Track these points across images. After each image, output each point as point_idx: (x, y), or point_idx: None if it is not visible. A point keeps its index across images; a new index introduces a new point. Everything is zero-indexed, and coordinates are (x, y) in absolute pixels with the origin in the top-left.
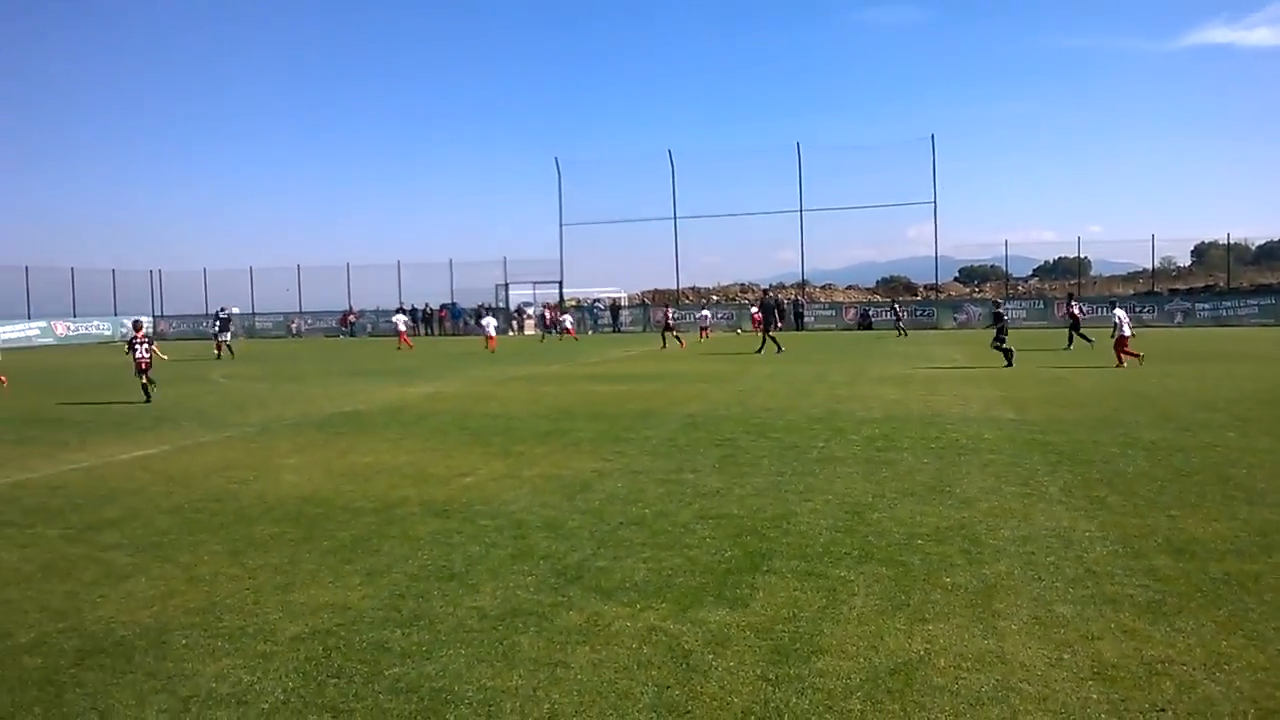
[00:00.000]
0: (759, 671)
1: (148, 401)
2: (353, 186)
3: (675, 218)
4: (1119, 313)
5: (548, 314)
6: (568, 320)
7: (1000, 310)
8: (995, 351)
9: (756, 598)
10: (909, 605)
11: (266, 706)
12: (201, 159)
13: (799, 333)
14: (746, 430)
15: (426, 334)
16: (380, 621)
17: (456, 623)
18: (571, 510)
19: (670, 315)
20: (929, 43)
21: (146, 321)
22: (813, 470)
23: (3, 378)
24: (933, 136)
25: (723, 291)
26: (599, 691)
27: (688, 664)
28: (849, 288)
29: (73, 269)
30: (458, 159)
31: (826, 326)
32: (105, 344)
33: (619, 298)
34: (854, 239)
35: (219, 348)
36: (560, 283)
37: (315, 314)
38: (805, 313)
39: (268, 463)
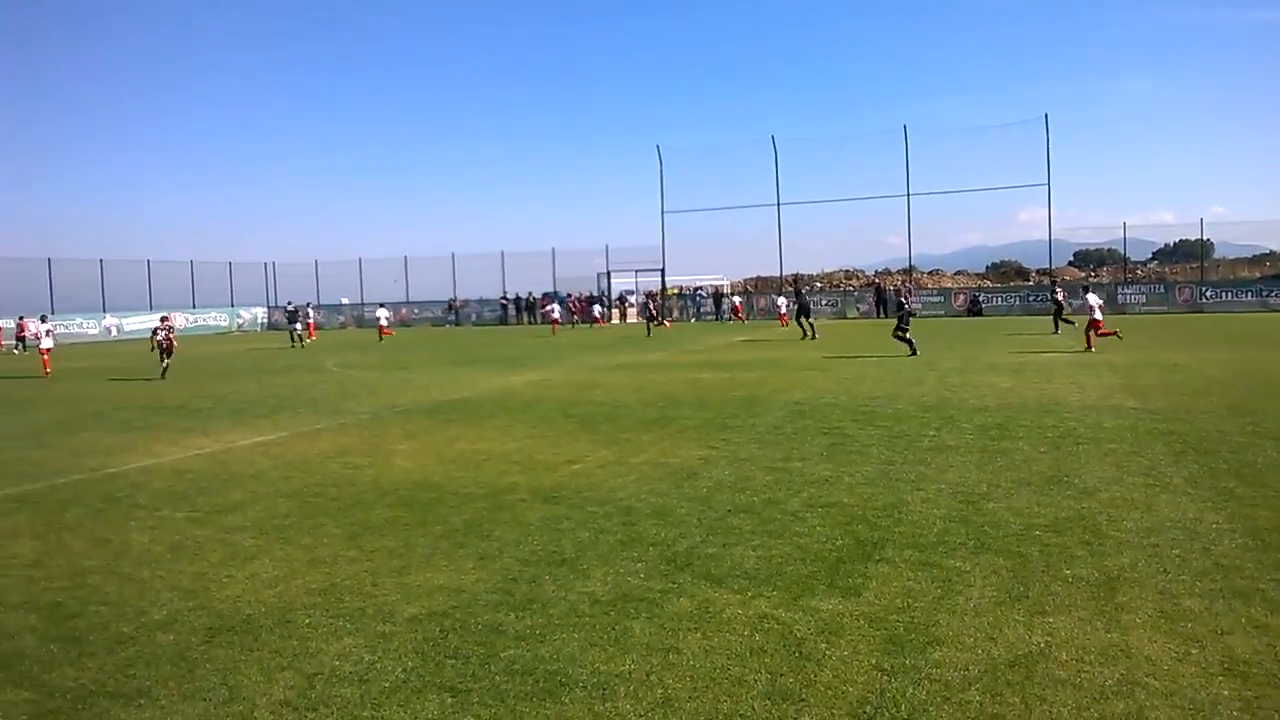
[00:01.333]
0: (874, 661)
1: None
2: (458, 178)
3: (779, 204)
4: (1091, 297)
5: (651, 303)
6: (596, 310)
7: (904, 300)
8: (899, 342)
9: (869, 587)
10: (1028, 597)
11: (387, 685)
12: (312, 156)
13: None
14: (854, 418)
15: (529, 322)
16: (494, 605)
17: (569, 607)
18: (679, 497)
19: (655, 302)
20: (1043, 20)
21: (261, 312)
22: (924, 459)
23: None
24: (1046, 116)
25: (827, 278)
26: (712, 678)
27: (800, 652)
28: (957, 273)
29: (191, 262)
30: (561, 150)
31: (935, 313)
32: (222, 335)
33: (721, 285)
34: (963, 223)
35: (292, 337)
36: (662, 271)
37: (421, 303)
38: (912, 299)
39: (381, 449)
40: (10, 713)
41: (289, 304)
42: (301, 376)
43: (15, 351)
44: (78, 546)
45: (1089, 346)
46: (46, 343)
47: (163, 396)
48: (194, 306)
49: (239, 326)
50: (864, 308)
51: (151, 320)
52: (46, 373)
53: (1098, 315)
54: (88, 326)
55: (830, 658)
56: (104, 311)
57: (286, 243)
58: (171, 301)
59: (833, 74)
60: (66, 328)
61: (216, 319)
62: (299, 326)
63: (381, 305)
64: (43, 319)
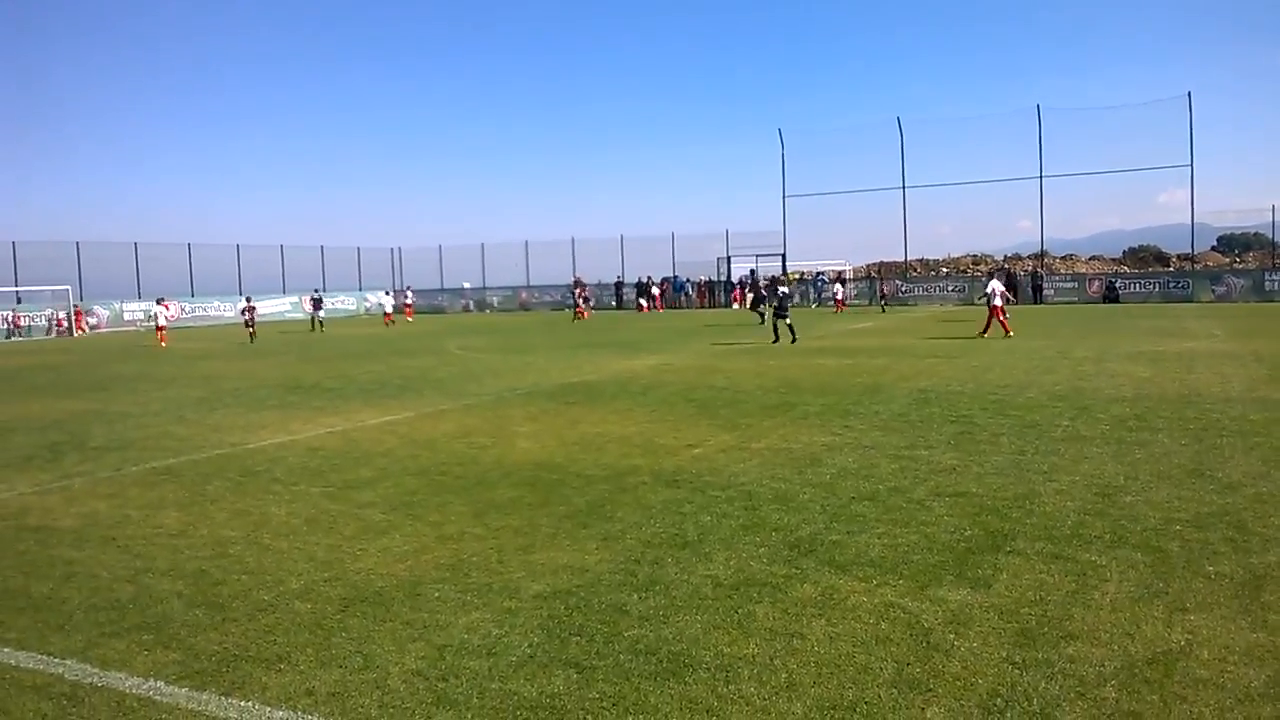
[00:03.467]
0: (1004, 654)
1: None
2: (578, 161)
3: (904, 187)
4: (993, 284)
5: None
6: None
7: (781, 288)
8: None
9: (999, 579)
10: (1167, 593)
11: (515, 659)
12: (438, 143)
13: (1037, 306)
14: (983, 406)
15: (650, 308)
16: (617, 585)
17: (691, 590)
18: (802, 484)
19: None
20: None
21: (388, 296)
22: (1057, 449)
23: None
24: (1189, 94)
25: (953, 263)
26: (837, 664)
27: (928, 642)
28: (1092, 258)
29: (322, 247)
30: (680, 132)
31: (1068, 299)
32: (350, 318)
33: (843, 270)
34: (1097, 206)
35: (314, 323)
36: (783, 255)
37: (541, 287)
38: (1045, 285)
39: (504, 430)
40: (160, 672)
41: (315, 291)
42: (426, 359)
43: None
44: (219, 517)
45: (985, 330)
46: (160, 320)
47: (297, 376)
48: (324, 290)
49: (366, 310)
50: None
51: (283, 304)
52: (162, 346)
53: (997, 301)
54: (224, 309)
55: (959, 649)
56: (240, 294)
57: (413, 229)
58: (301, 285)
59: (962, 51)
60: (205, 310)
61: (345, 303)
62: (321, 314)
63: (387, 292)
64: (158, 301)
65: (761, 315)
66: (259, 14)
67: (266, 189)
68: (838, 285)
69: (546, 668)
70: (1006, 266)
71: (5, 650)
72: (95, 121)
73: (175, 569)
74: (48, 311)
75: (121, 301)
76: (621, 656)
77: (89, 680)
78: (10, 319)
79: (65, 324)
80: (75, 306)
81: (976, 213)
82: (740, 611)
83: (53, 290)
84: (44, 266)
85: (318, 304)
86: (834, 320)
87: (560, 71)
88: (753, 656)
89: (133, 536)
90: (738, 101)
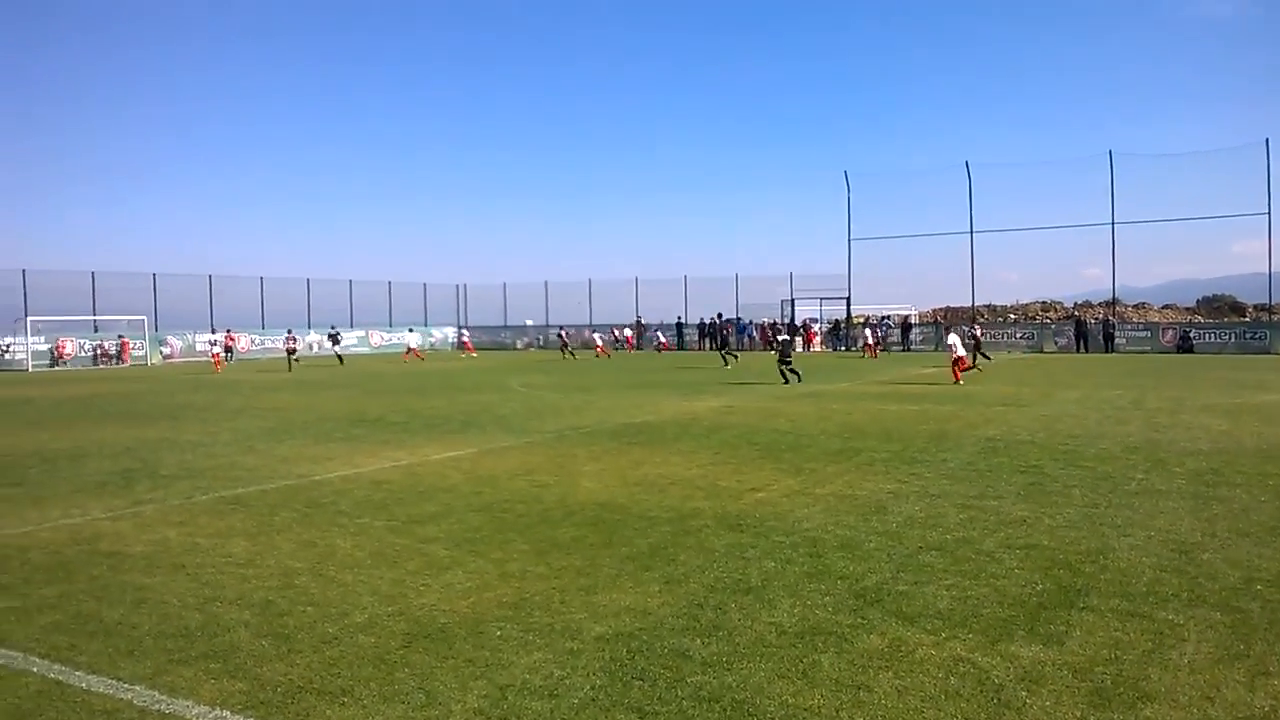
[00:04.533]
0: (1078, 714)
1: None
2: (644, 201)
3: (971, 232)
4: (952, 337)
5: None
6: (597, 338)
7: (784, 335)
8: (789, 372)
9: (1072, 635)
10: (1249, 656)
11: (576, 701)
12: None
13: (1108, 355)
14: (1053, 457)
15: (712, 348)
16: (680, 629)
17: (755, 636)
18: (868, 531)
19: (565, 333)
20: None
21: (452, 332)
22: (1131, 503)
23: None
24: (1267, 141)
25: (1022, 309)
26: (904, 719)
27: (999, 699)
28: (1165, 307)
29: (390, 283)
30: (745, 172)
31: (1141, 349)
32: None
33: (909, 315)
34: (1169, 254)
35: (339, 358)
36: (848, 299)
37: (604, 325)
38: (1116, 333)
39: (566, 469)
40: (227, 701)
41: (333, 328)
42: (489, 395)
43: (225, 361)
44: (286, 548)
45: (956, 379)
46: (216, 349)
47: (362, 410)
48: (390, 325)
49: (431, 345)
50: (1062, 341)
51: (352, 337)
52: (216, 370)
53: (960, 351)
54: (290, 342)
55: (1031, 707)
56: (308, 327)
57: (475, 265)
58: (370, 319)
59: (1032, 97)
60: (274, 341)
61: (409, 338)
62: (339, 348)
63: (410, 329)
64: (213, 331)
65: (724, 358)
66: (330, 51)
67: (335, 224)
68: (867, 330)
69: (609, 711)
70: (1077, 315)
71: (77, 674)
72: (176, 158)
73: (243, 598)
74: (97, 341)
75: (194, 332)
76: (684, 703)
77: (157, 707)
78: (95, 348)
79: (110, 353)
80: (122, 337)
81: (1045, 259)
82: (805, 661)
83: (129, 320)
84: (124, 296)
85: (335, 339)
86: (872, 367)
87: (625, 111)
88: (818, 708)
89: (202, 564)
90: (805, 143)
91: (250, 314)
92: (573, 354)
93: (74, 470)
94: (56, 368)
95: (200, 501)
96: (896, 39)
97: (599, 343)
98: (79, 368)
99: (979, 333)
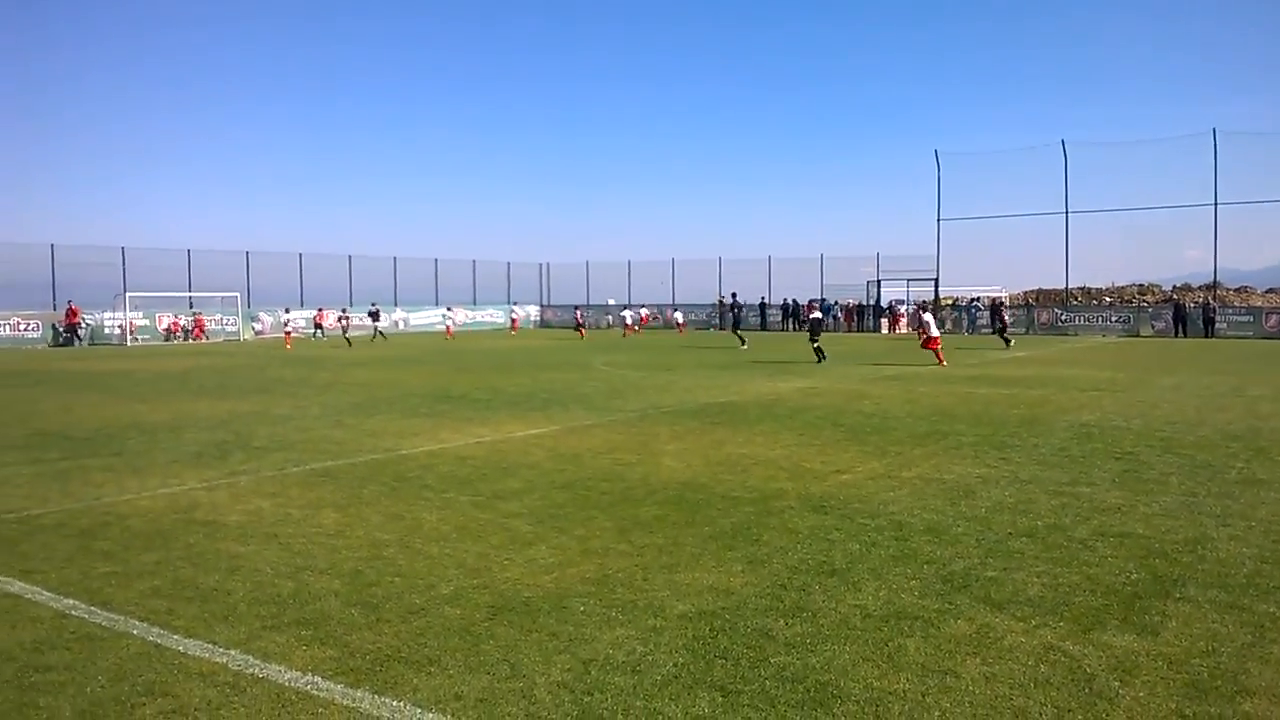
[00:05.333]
0: (1173, 706)
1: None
2: (724, 183)
3: (1066, 212)
4: (926, 316)
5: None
6: (627, 316)
7: (816, 314)
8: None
9: (1168, 626)
10: None
11: (659, 677)
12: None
13: (1208, 340)
14: (1149, 444)
15: (793, 329)
16: (763, 609)
17: (839, 619)
18: (955, 516)
19: (580, 314)
20: None
21: (534, 310)
22: (1231, 492)
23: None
24: None
25: (1118, 292)
26: (992, 705)
27: (1090, 689)
28: (1269, 291)
29: (474, 261)
30: (831, 153)
31: (1242, 334)
32: (498, 331)
33: (999, 297)
34: (1276, 236)
35: (374, 334)
36: (936, 280)
37: (688, 306)
38: (1217, 318)
39: (648, 447)
40: (318, 668)
41: (373, 304)
42: (571, 373)
43: (315, 338)
44: (374, 520)
45: (940, 362)
46: (289, 327)
47: (446, 386)
48: (474, 303)
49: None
50: (1159, 325)
51: (436, 314)
52: (287, 348)
53: (934, 332)
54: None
55: (1124, 698)
56: (394, 305)
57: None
58: (454, 297)
59: (1129, 69)
60: (360, 319)
61: (493, 316)
62: (381, 325)
63: (449, 309)
64: (286, 310)
65: (741, 339)
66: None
67: (420, 203)
68: (923, 314)
69: (691, 689)
70: (1176, 298)
71: (175, 637)
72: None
73: (333, 568)
74: (167, 318)
75: (287, 309)
76: (768, 682)
77: (250, 671)
78: (168, 325)
79: (181, 330)
80: (196, 314)
81: (1143, 241)
82: (890, 644)
83: (222, 297)
84: (217, 274)
85: (375, 315)
86: (894, 351)
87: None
88: (903, 692)
89: (293, 534)
90: (892, 121)
91: (339, 291)
92: (583, 332)
93: (172, 441)
94: (129, 344)
95: (292, 473)
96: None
97: (628, 321)
98: (153, 343)
99: (1006, 315)
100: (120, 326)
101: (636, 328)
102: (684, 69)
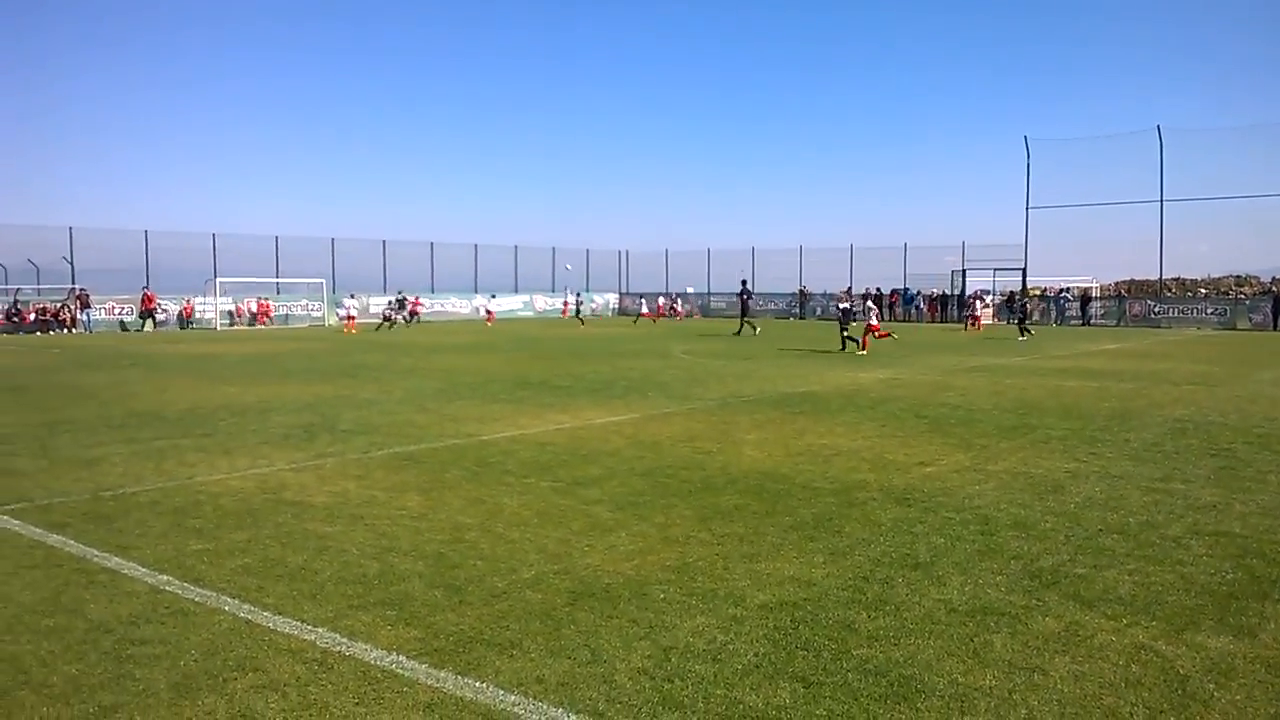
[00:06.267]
0: (1272, 711)
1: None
2: (805, 169)
3: (1161, 200)
4: (869, 304)
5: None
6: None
7: (845, 304)
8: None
9: (1266, 629)
10: None
11: (740, 667)
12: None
13: None
14: (1247, 440)
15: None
16: (845, 601)
17: (924, 613)
18: (1043, 511)
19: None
20: None
21: (613, 298)
22: None
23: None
24: None
25: (1213, 283)
26: (1081, 704)
27: (1184, 690)
28: None
29: (554, 249)
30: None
31: None
32: (572, 318)
33: (1089, 288)
34: None
35: (396, 321)
36: (1024, 270)
37: (767, 295)
38: None
39: (729, 436)
40: (403, 647)
41: (400, 292)
42: (651, 361)
43: (387, 325)
44: (456, 504)
45: (862, 347)
46: (351, 312)
47: (526, 373)
48: (552, 290)
49: (592, 310)
50: (1257, 318)
51: (517, 301)
52: (349, 332)
53: (874, 320)
54: (460, 305)
55: (1219, 700)
56: (475, 292)
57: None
58: (533, 285)
59: (1230, 56)
60: (443, 306)
61: (571, 303)
62: (405, 313)
63: (493, 296)
64: (351, 296)
65: (750, 326)
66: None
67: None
68: (976, 303)
69: (772, 679)
70: (1276, 290)
71: (264, 614)
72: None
73: (416, 550)
74: (228, 302)
75: (369, 295)
76: (850, 675)
77: (338, 649)
78: (230, 310)
79: (245, 314)
80: (260, 299)
81: (1240, 230)
82: (976, 640)
83: (309, 283)
84: (302, 260)
85: (401, 304)
86: (979, 342)
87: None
88: (990, 688)
89: (378, 516)
90: (979, 105)
91: (421, 277)
92: (581, 320)
93: (260, 423)
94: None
95: (376, 456)
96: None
97: (645, 309)
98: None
99: (1028, 304)
100: (212, 310)
101: (654, 316)
102: (751, 54)
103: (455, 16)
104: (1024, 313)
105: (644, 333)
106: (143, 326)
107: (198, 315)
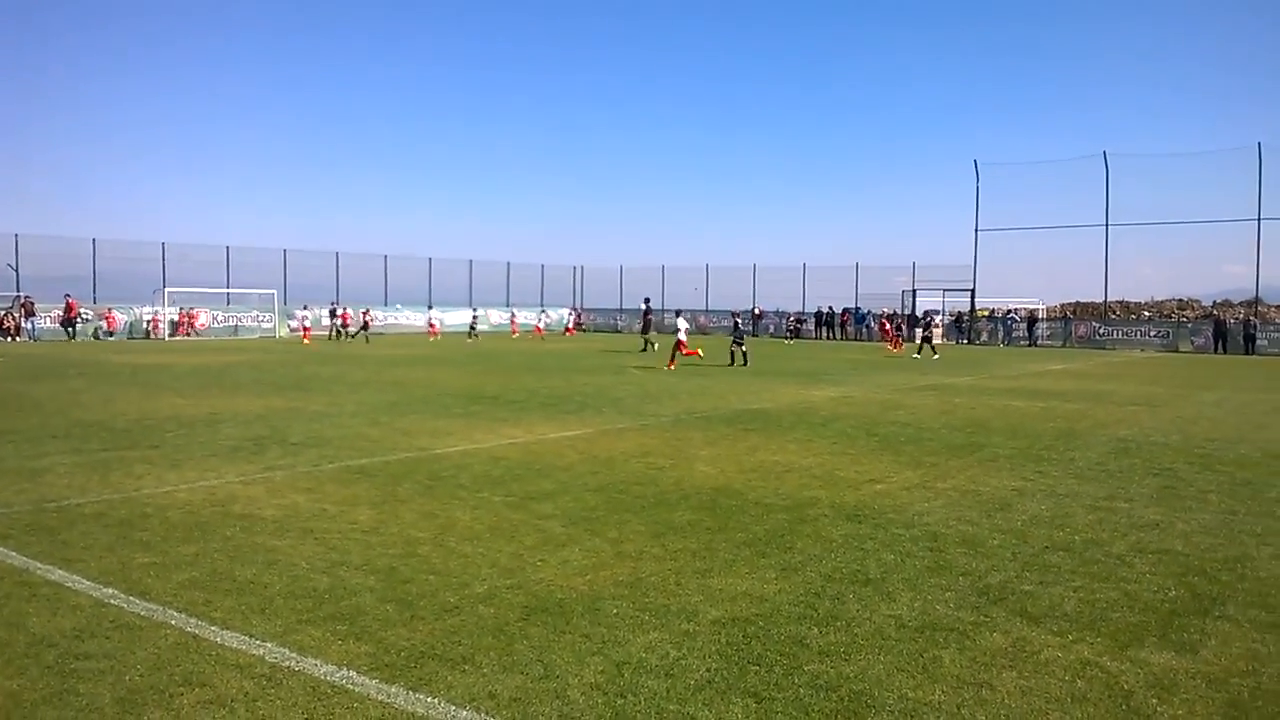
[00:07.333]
0: None
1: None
2: (755, 188)
3: (1107, 225)
4: (681, 322)
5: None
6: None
7: (738, 319)
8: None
9: (1207, 644)
10: None
11: (692, 682)
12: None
13: (1248, 357)
14: (1189, 460)
15: (828, 337)
16: (797, 617)
17: (874, 628)
18: (991, 528)
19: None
20: None
21: (567, 313)
22: (1272, 511)
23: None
24: None
25: (1156, 307)
26: (1028, 719)
27: (1128, 705)
28: None
29: (509, 263)
30: (865, 160)
31: None
32: (525, 332)
33: (1036, 309)
34: None
35: (345, 333)
36: (972, 291)
37: (720, 312)
38: (1259, 334)
39: (682, 452)
40: (353, 663)
41: (332, 304)
42: (605, 377)
43: (345, 336)
44: (408, 518)
45: (671, 363)
46: (305, 323)
47: (479, 386)
48: (507, 304)
49: (546, 325)
50: (1199, 340)
51: (466, 315)
52: (305, 343)
53: (682, 336)
54: (414, 318)
55: (1162, 715)
56: (428, 306)
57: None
58: (489, 299)
59: (1175, 86)
60: (395, 319)
61: (527, 318)
62: (339, 321)
63: (430, 306)
64: (304, 307)
65: (645, 343)
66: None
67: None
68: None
69: (725, 694)
70: (1217, 314)
71: (212, 628)
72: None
73: (368, 564)
74: (134, 313)
75: (321, 307)
76: (801, 690)
77: (287, 664)
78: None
79: (161, 326)
80: (186, 309)
81: (1183, 255)
82: (925, 655)
83: (259, 294)
84: (255, 271)
85: (332, 314)
86: (998, 360)
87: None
88: (939, 704)
89: (329, 530)
90: (930, 128)
91: (374, 291)
92: (475, 337)
93: (209, 435)
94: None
95: (327, 469)
96: (1030, 23)
97: (538, 325)
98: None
99: (932, 324)
100: (156, 321)
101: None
102: (708, 69)
103: (405, 27)
104: (928, 332)
105: (596, 348)
106: (70, 336)
107: (144, 326)
